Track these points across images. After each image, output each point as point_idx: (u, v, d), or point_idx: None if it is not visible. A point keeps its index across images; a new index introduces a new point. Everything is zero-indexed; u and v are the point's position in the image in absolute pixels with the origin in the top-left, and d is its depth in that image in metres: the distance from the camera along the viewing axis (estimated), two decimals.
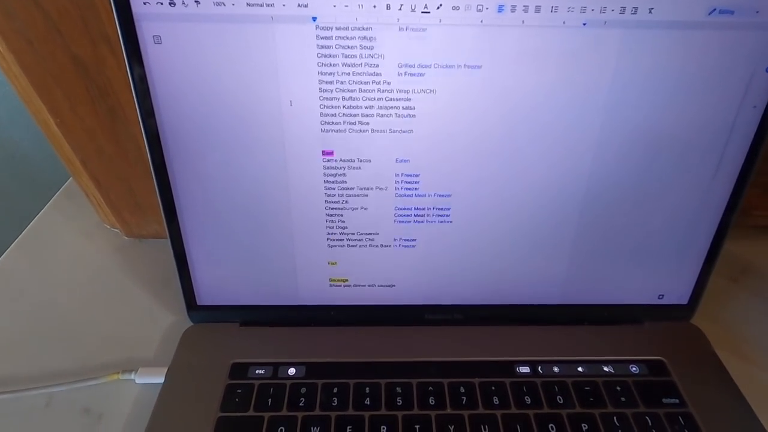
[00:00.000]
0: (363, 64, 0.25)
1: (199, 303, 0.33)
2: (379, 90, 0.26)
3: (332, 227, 0.30)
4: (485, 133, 0.27)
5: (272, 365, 0.31)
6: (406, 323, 0.33)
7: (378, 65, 0.25)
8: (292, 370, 0.30)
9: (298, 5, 0.24)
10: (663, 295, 0.33)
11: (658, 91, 0.26)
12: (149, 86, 0.26)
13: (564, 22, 0.24)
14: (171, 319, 0.35)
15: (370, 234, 0.30)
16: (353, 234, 0.30)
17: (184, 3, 0.24)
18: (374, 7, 0.24)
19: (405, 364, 0.31)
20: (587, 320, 0.34)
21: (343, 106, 0.26)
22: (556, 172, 0.28)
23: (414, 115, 0.26)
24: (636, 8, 0.24)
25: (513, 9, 0.24)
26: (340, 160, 0.28)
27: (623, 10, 0.24)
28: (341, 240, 0.31)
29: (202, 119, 0.26)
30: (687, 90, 0.26)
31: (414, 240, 0.31)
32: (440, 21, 0.24)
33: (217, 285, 0.32)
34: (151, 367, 0.31)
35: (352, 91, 0.26)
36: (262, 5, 0.24)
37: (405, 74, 0.25)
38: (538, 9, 0.24)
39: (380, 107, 0.26)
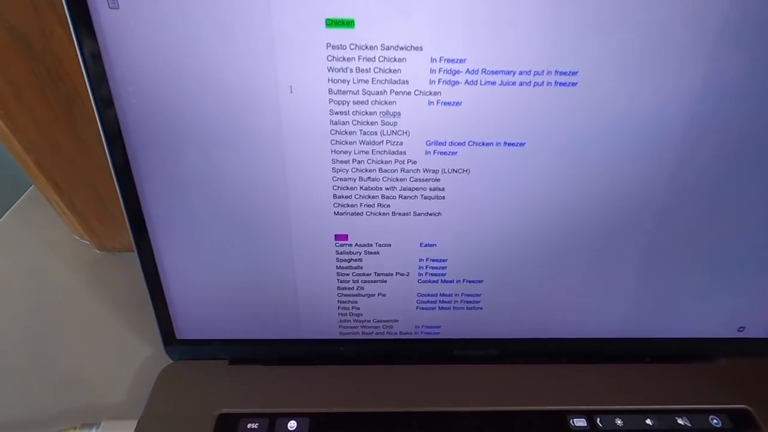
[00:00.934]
0: (384, 142, 0.22)
1: (178, 337, 0.28)
2: (402, 170, 0.23)
3: (345, 314, 0.27)
4: (526, 212, 0.24)
5: (268, 417, 0.26)
6: (431, 361, 0.28)
7: (402, 143, 0.22)
8: (292, 424, 0.25)
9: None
10: (744, 327, 0.28)
11: (760, 80, 0.20)
12: (105, 66, 0.20)
13: None
14: (147, 353, 0.30)
15: (388, 321, 0.27)
16: (368, 321, 0.27)
17: None
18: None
19: (430, 414, 0.26)
20: (651, 356, 0.29)
21: (360, 188, 0.23)
22: (628, 183, 0.23)
23: (443, 197, 0.23)
24: None
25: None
26: (356, 244, 0.25)
27: None
28: (354, 328, 0.28)
29: (176, 110, 0.21)
30: None
31: (438, 327, 0.28)
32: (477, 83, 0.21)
33: (200, 315, 0.27)
34: (116, 420, 0.25)
35: (371, 171, 0.23)
36: None
37: (434, 153, 0.22)
38: None
39: (404, 188, 0.23)
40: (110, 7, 0.19)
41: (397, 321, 0.27)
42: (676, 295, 0.27)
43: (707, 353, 0.29)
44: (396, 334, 0.28)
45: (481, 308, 0.27)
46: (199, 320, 0.27)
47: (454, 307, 0.27)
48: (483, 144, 0.22)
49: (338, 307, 0.27)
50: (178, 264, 0.25)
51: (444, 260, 0.25)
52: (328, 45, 0.20)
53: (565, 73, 0.20)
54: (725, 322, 0.28)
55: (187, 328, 0.28)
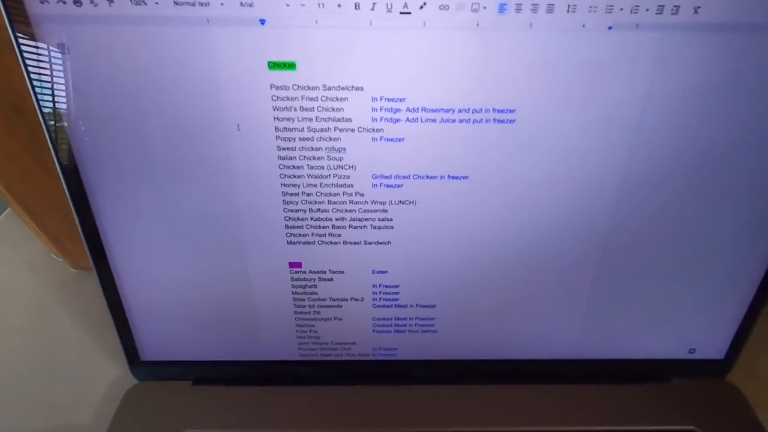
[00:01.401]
0: (332, 176, 0.23)
1: (143, 358, 0.28)
2: (351, 201, 0.23)
3: (303, 337, 0.28)
4: (474, 241, 0.24)
5: None
6: (390, 381, 0.29)
7: (349, 176, 0.23)
8: None
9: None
10: (695, 349, 0.28)
11: (701, 107, 0.21)
12: (57, 105, 0.20)
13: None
14: (116, 374, 0.30)
15: (345, 344, 0.28)
16: (327, 344, 0.28)
17: (93, 2, 0.18)
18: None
19: None
20: (604, 378, 0.29)
21: (311, 218, 0.24)
22: (573, 212, 0.24)
23: (392, 227, 0.24)
24: (677, 7, 0.18)
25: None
26: (310, 272, 0.25)
27: (660, 10, 0.18)
28: (314, 350, 0.28)
29: (129, 147, 0.22)
30: (738, 104, 0.21)
31: (395, 349, 0.28)
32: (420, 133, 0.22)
33: (163, 337, 0.28)
34: None
35: (320, 203, 0.23)
36: (194, 3, 0.18)
37: (381, 185, 0.23)
38: None
39: (353, 219, 0.24)
40: (62, 53, 0.20)
41: (354, 343, 0.28)
42: (627, 318, 0.27)
43: (660, 374, 0.29)
44: (354, 355, 0.28)
45: (435, 331, 0.27)
46: (163, 342, 0.28)
47: (409, 330, 0.27)
48: (427, 177, 0.22)
49: (296, 330, 0.27)
50: (139, 288, 0.26)
51: (396, 286, 0.26)
52: (272, 86, 0.20)
53: (502, 111, 0.21)
54: (677, 343, 0.28)
55: (151, 349, 0.28)
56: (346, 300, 0.26)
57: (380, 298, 0.26)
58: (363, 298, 0.26)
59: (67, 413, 0.28)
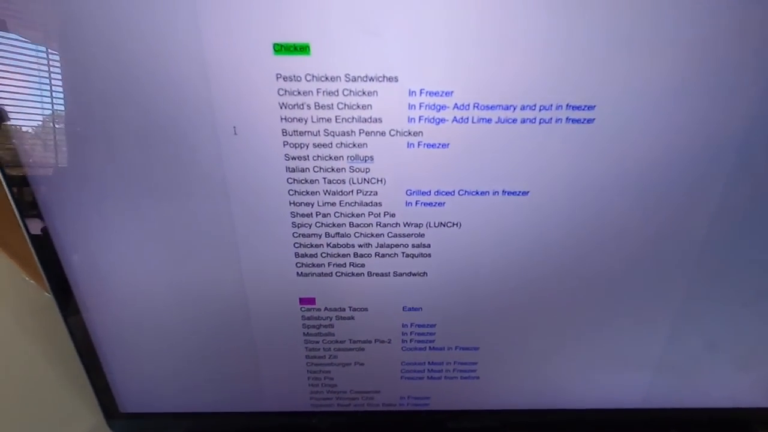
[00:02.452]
0: (355, 191, 0.19)
1: (122, 410, 0.24)
2: (378, 224, 0.19)
3: (316, 385, 0.24)
4: (530, 272, 0.20)
5: None
6: None
7: (377, 192, 0.19)
8: None
9: None
10: None
11: None
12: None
13: None
14: (92, 422, 0.25)
15: (368, 393, 0.24)
16: (345, 392, 0.24)
17: None
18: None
19: None
20: (677, 428, 0.25)
21: (327, 245, 0.20)
22: (660, 234, 0.20)
23: (429, 254, 0.20)
24: None
25: None
26: (325, 309, 0.21)
27: None
28: (329, 399, 0.24)
29: (96, 155, 0.18)
30: None
31: (427, 398, 0.24)
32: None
33: (147, 385, 0.24)
34: None
35: (339, 225, 0.19)
36: None
37: (416, 204, 0.19)
38: None
39: (380, 245, 0.20)
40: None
41: (378, 392, 0.24)
42: (709, 360, 0.23)
43: (743, 425, 0.25)
44: (378, 405, 0.24)
45: (477, 377, 0.23)
46: (147, 390, 0.24)
47: (445, 377, 0.23)
48: (477, 193, 0.18)
49: (308, 377, 0.23)
50: (114, 325, 0.22)
51: (432, 325, 0.22)
52: (278, 76, 0.16)
53: (579, 108, 0.16)
54: (762, 389, 0.24)
55: (132, 399, 0.24)
56: (370, 342, 0.22)
57: (412, 340, 0.22)
58: (390, 340, 0.22)
59: None
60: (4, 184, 0.18)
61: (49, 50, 0.16)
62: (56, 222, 0.19)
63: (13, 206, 0.19)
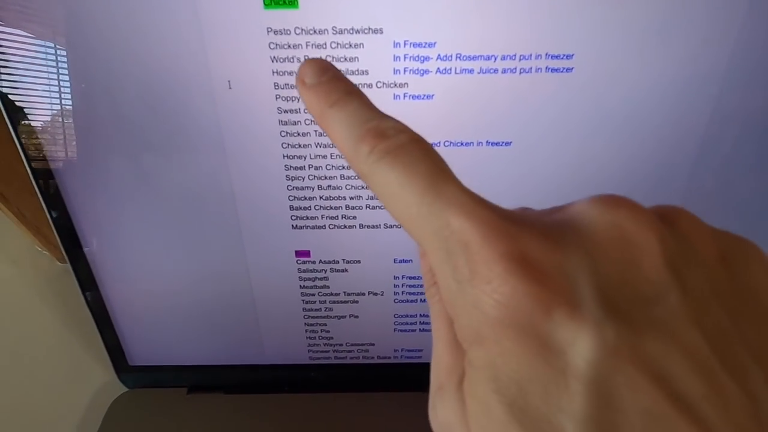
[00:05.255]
0: None
1: (131, 363, 0.25)
2: None
3: (314, 337, 0.24)
4: None
5: None
6: (414, 387, 0.25)
7: None
8: None
9: None
10: None
11: None
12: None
13: None
14: (103, 379, 0.27)
15: (363, 345, 0.25)
16: (341, 345, 0.25)
17: None
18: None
19: None
20: None
21: (320, 197, 0.20)
22: (641, 186, 0.20)
23: None
24: None
25: None
26: (320, 261, 0.22)
27: None
28: (326, 352, 0.25)
29: (99, 112, 0.19)
30: None
31: (420, 350, 0.25)
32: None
33: (154, 339, 0.25)
34: None
35: (331, 177, 0.20)
36: None
37: None
38: None
39: (371, 197, 0.20)
40: None
41: (373, 344, 0.24)
42: None
43: None
44: (373, 358, 0.25)
45: None
46: (153, 344, 0.25)
47: None
48: (461, 144, 0.19)
49: (306, 330, 0.24)
50: (122, 283, 0.23)
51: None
52: (268, 30, 0.17)
53: (558, 57, 0.17)
54: None
55: (140, 353, 0.25)
56: (364, 294, 0.23)
57: (404, 292, 0.23)
58: (383, 292, 0.23)
59: (47, 425, 0.26)
60: (16, 142, 0.19)
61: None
62: (67, 185, 0.20)
63: (30, 176, 0.20)
